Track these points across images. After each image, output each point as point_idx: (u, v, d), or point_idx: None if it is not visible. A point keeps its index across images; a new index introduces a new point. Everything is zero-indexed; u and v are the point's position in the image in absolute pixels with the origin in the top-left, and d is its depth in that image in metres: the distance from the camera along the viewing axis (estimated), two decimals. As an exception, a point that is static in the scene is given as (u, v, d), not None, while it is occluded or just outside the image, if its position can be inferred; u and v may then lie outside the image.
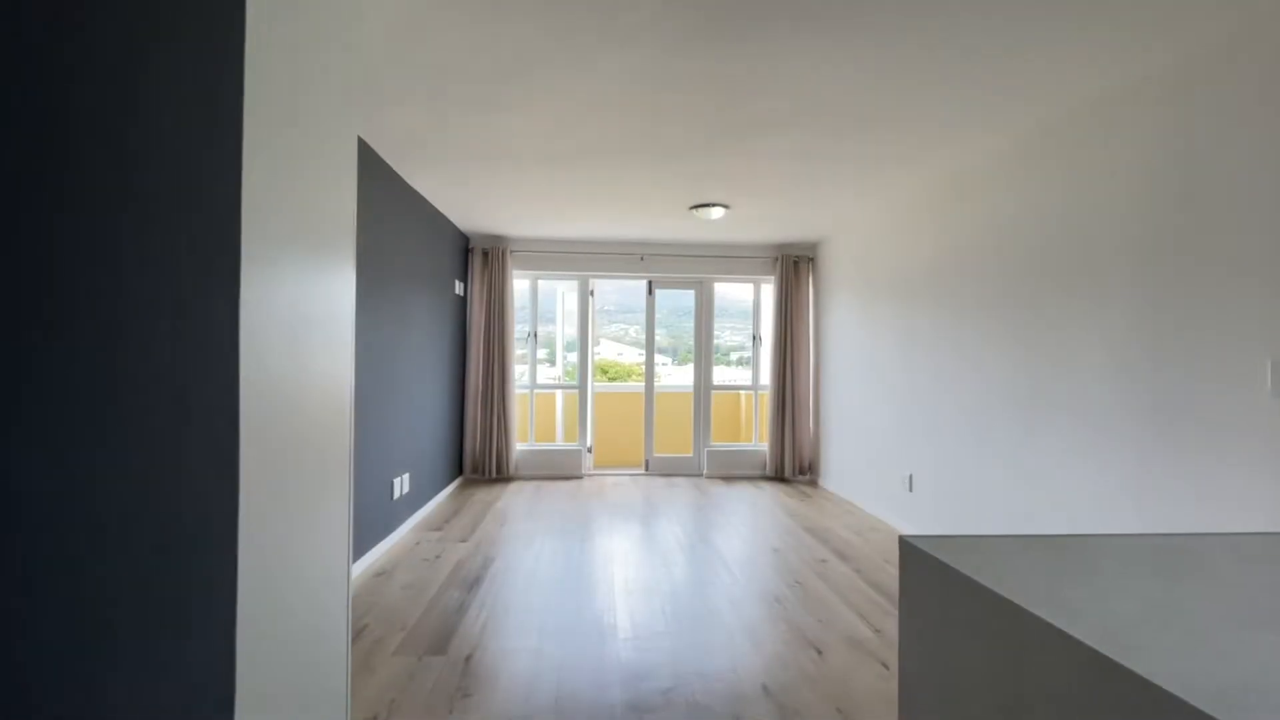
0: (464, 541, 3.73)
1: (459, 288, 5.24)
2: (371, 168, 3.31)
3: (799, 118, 2.83)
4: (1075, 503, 2.63)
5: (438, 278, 4.63)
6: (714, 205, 4.31)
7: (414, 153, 3.36)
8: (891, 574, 3.25)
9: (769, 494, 5.09)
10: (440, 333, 4.73)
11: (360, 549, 3.23)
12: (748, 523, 4.22)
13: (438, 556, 3.46)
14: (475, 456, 5.47)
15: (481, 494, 4.97)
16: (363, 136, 3.12)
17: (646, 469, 5.83)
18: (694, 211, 4.41)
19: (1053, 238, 2.77)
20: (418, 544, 3.67)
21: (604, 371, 12.51)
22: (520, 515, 4.34)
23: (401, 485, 3.82)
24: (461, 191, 4.09)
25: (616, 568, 3.31)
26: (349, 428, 1.50)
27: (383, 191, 3.48)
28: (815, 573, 3.27)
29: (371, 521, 3.37)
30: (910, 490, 3.96)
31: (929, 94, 2.56)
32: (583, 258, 5.65)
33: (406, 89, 2.59)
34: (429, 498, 4.44)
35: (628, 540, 3.80)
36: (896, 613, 2.94)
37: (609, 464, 6.40)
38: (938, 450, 3.66)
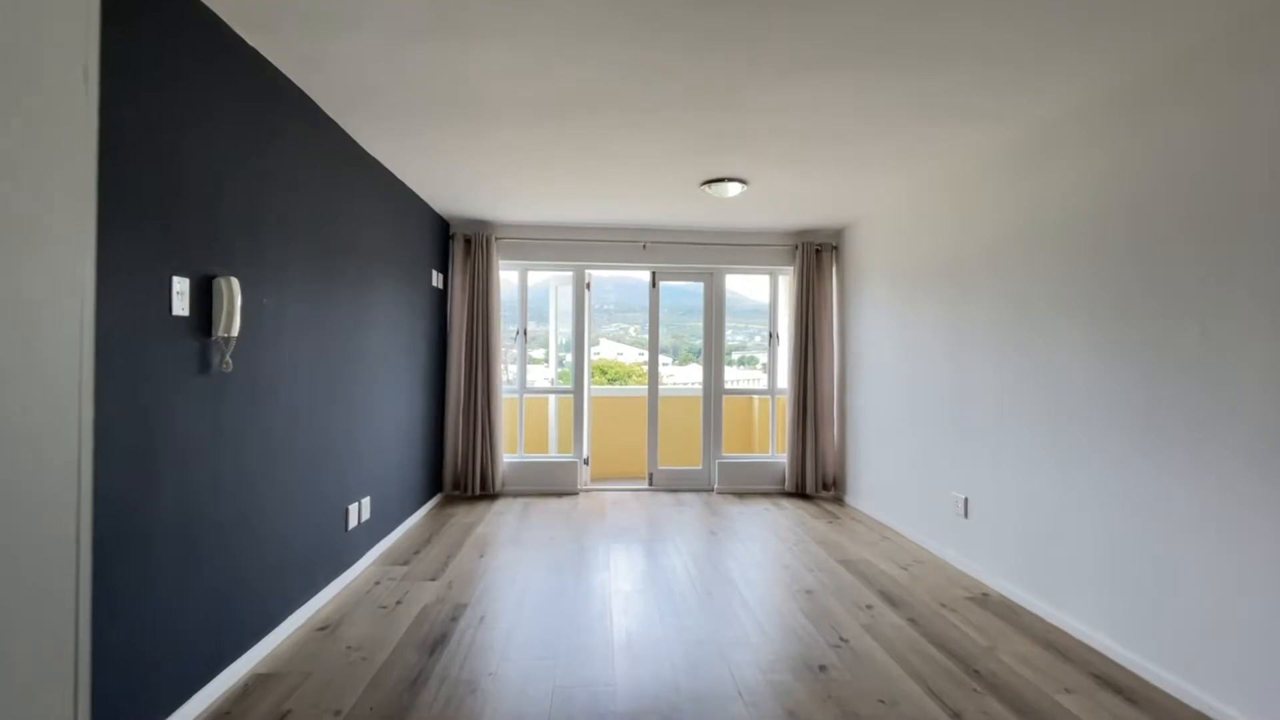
0: (433, 580, 3.14)
1: (437, 279, 4.65)
2: (316, 127, 2.71)
3: (841, 54, 2.24)
4: (1221, 564, 2.03)
5: (410, 267, 4.04)
6: (730, 180, 3.72)
7: (365, 104, 2.77)
8: (958, 627, 2.66)
9: (791, 514, 4.50)
10: (414, 330, 4.14)
11: (300, 595, 2.63)
12: (771, 553, 3.62)
13: (398, 602, 2.87)
14: (456, 471, 4.88)
15: (461, 515, 4.38)
16: (299, 83, 2.53)
17: (650, 483, 5.24)
18: (706, 189, 3.82)
19: (1189, 197, 2.18)
20: (377, 584, 3.08)
21: (603, 373, 11.95)
22: (504, 542, 3.75)
23: (360, 512, 3.23)
24: (431, 164, 3.50)
25: (617, 618, 2.72)
26: (77, 440, 0.92)
27: (329, 156, 2.89)
28: (861, 625, 2.68)
29: (315, 560, 2.77)
30: (965, 516, 3.37)
31: (1013, 17, 1.97)
32: (578, 246, 5.06)
33: (353, 16, 1.99)
34: (397, 523, 3.85)
35: (630, 578, 3.21)
36: (978, 688, 2.38)
37: (608, 477, 5.81)
38: (1003, 471, 3.07)
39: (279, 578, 2.46)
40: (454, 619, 2.69)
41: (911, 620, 2.73)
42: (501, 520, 4.25)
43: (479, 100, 2.68)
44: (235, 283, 2.06)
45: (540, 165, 3.51)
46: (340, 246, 2.98)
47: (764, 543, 3.81)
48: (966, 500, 3.36)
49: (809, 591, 3.03)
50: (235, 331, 2.06)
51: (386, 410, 3.63)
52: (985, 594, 3.04)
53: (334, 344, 2.92)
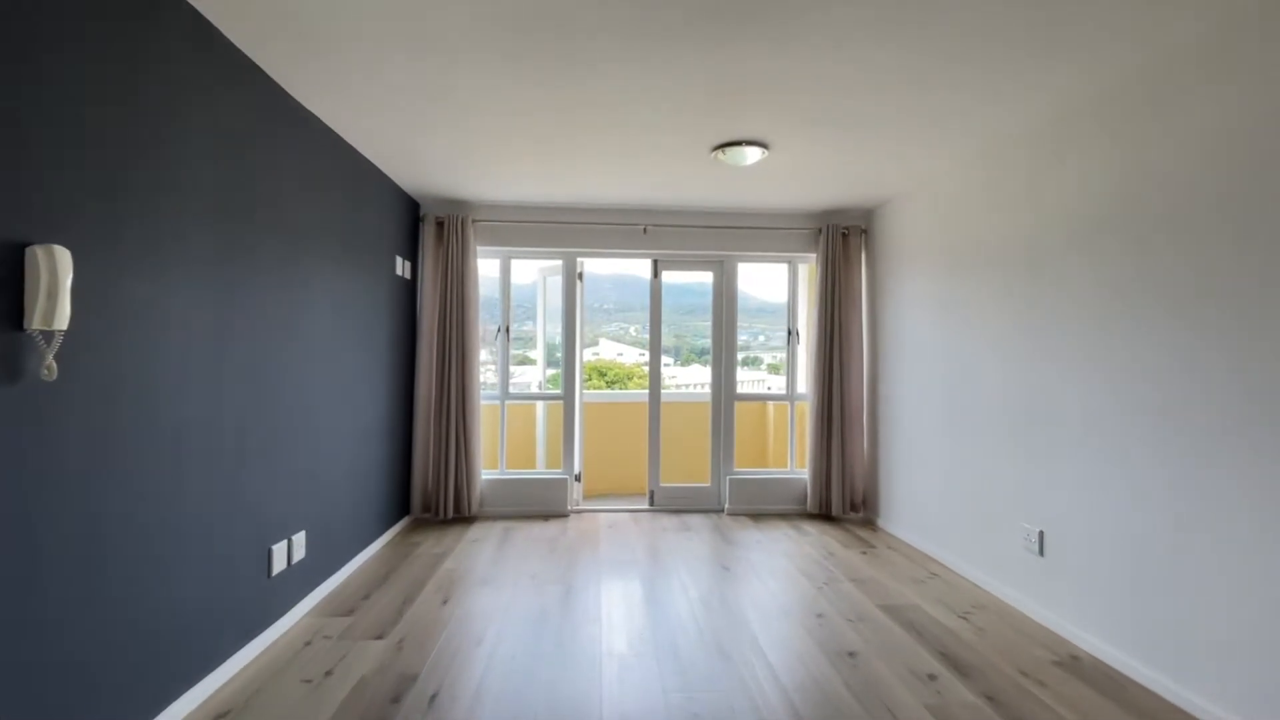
0: (380, 638, 2.55)
1: (402, 267, 4.06)
2: (218, 63, 2.13)
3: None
4: None
5: (367, 252, 3.46)
6: (747, 144, 3.13)
7: (282, 31, 2.19)
8: (1053, 709, 2.08)
9: (816, 543, 3.91)
10: (372, 326, 3.56)
11: (191, 673, 2.05)
12: (798, 596, 3.04)
13: (329, 672, 2.28)
14: (426, 490, 4.29)
15: (429, 544, 3.80)
16: (199, 9, 1.95)
17: (651, 502, 4.66)
18: (719, 155, 3.24)
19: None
20: (307, 644, 2.50)
21: (601, 374, 11.37)
22: (474, 582, 3.17)
23: (290, 552, 2.65)
24: (384, 124, 2.92)
25: (609, 694, 2.13)
26: None
27: (242, 106, 2.31)
28: (925, 705, 2.10)
29: (216, 623, 2.19)
30: (1039, 554, 2.78)
31: None
32: (568, 230, 4.47)
33: None
34: (347, 558, 3.27)
35: (627, 632, 2.63)
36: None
37: (603, 494, 5.23)
38: (1096, 499, 2.49)
39: (152, 657, 1.88)
40: (396, 699, 2.11)
41: (989, 698, 2.15)
42: (475, 551, 3.67)
43: (429, 33, 2.09)
44: (62, 256, 1.48)
45: (519, 120, 2.93)
46: (262, 223, 2.40)
47: (788, 581, 3.23)
48: (1041, 534, 2.77)
49: (851, 654, 2.45)
50: (63, 323, 1.48)
51: (332, 423, 3.05)
52: (1075, 656, 2.45)
53: (251, 342, 2.34)
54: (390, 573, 3.29)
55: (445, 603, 2.91)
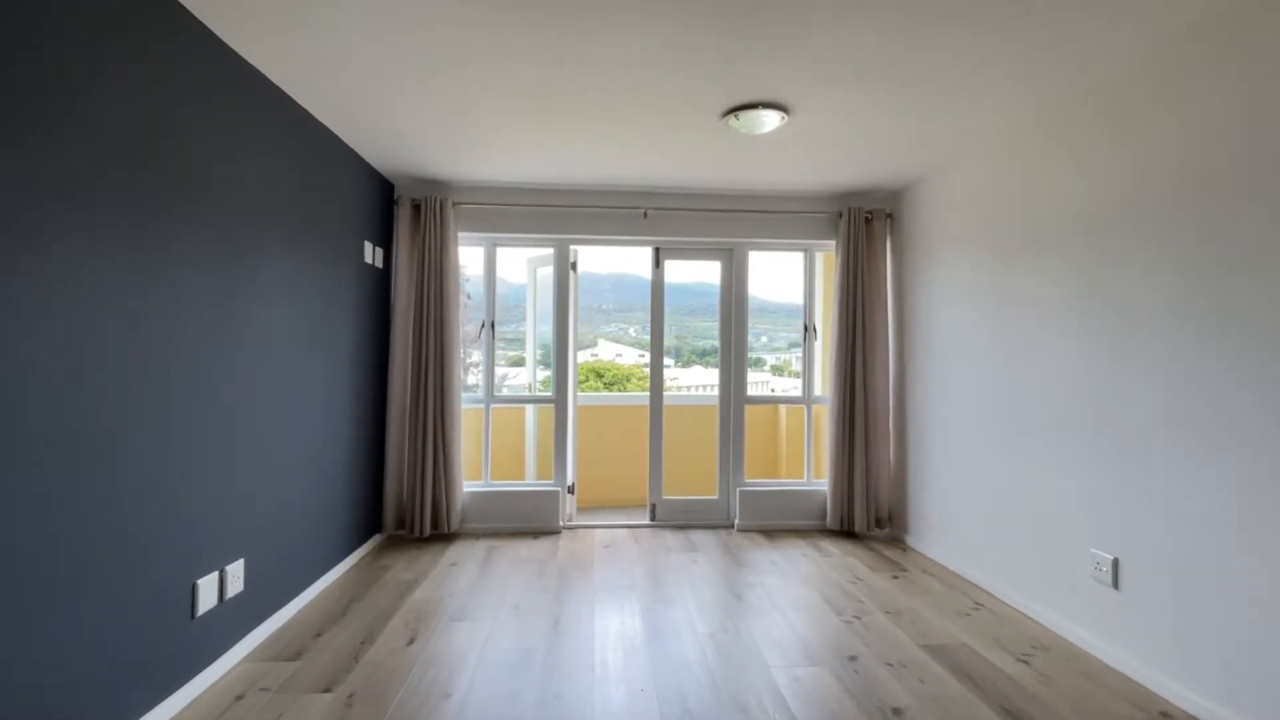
0: (327, 691, 2.16)
1: (373, 254, 3.67)
2: (158, 15, 1.75)
3: None
4: None
5: (331, 236, 3.07)
6: (764, 106, 2.75)
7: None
8: (1160, 795, 1.68)
9: (839, 564, 3.51)
10: (335, 319, 3.17)
11: (79, 747, 1.66)
12: (827, 633, 2.65)
13: (258, 739, 1.89)
14: (400, 504, 3.90)
15: (400, 568, 3.40)
16: (68, -103, 1.56)
17: (653, 517, 4.26)
18: (732, 121, 2.85)
19: None
20: (240, 698, 2.10)
21: (599, 375, 10.98)
22: (448, 615, 2.78)
23: (222, 586, 2.25)
24: (340, 83, 2.53)
25: (601, 774, 1.74)
26: None
27: (177, 63, 1.92)
28: (999, 787, 1.70)
29: (122, 679, 1.80)
30: (1114, 585, 2.39)
31: None
32: (560, 214, 4.08)
33: None
34: (301, 588, 2.87)
35: (626, 683, 2.23)
36: None
37: (600, 506, 4.84)
38: (1183, 520, 2.10)
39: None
40: (336, 780, 1.71)
41: (1075, 774, 1.75)
42: (452, 576, 3.27)
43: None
44: None
45: (503, 90, 2.54)
46: (194, 194, 2.01)
47: (811, 613, 2.83)
48: (1115, 562, 2.38)
49: (897, 711, 2.05)
50: None
51: (284, 431, 2.66)
52: (1166, 714, 2.06)
53: (175, 333, 1.95)
54: (351, 604, 2.89)
55: (411, 643, 2.51)
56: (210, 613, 2.19)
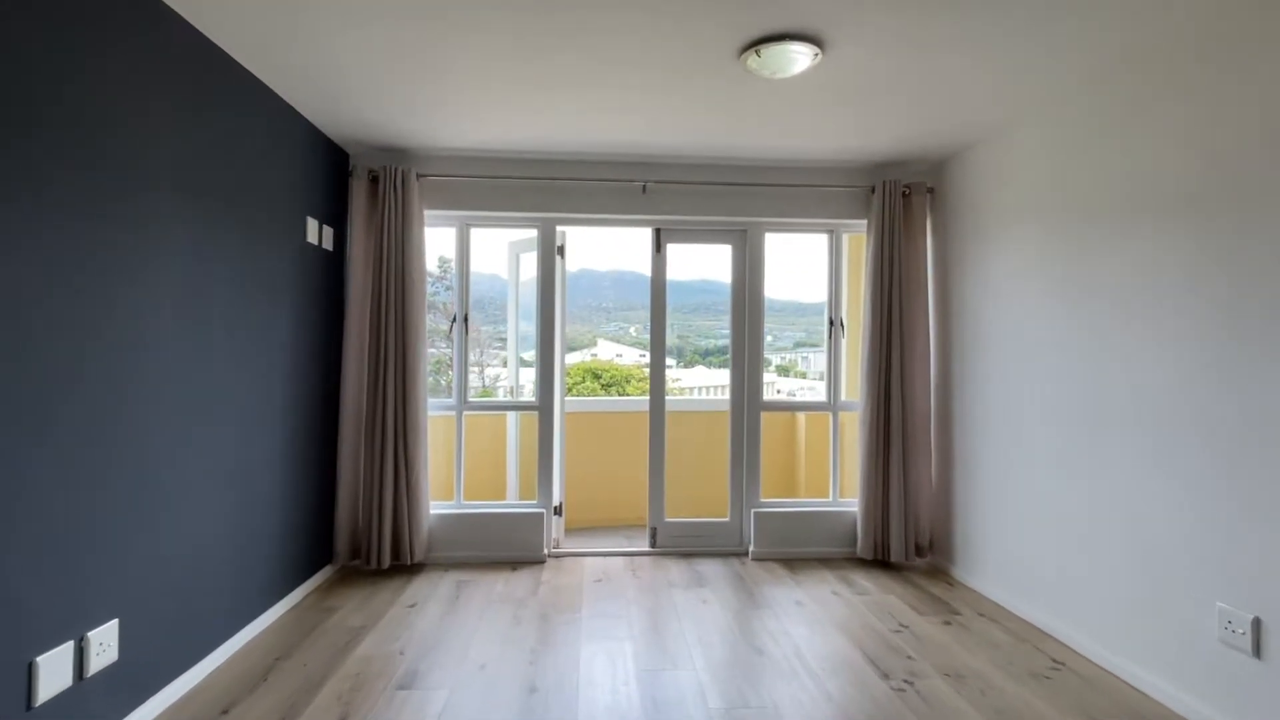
0: (213, 805, 1.65)
1: (319, 233, 3.16)
2: None
3: None
4: None
5: (262, 210, 2.56)
6: (793, 38, 2.23)
7: None
8: None
9: (878, 605, 3.00)
10: (264, 311, 2.66)
11: None
12: (873, 707, 2.12)
13: None
14: (355, 530, 3.39)
15: (349, 610, 2.88)
16: None
17: (653, 543, 3.74)
18: (751, 60, 2.33)
19: None
20: (92, 819, 1.59)
21: (596, 376, 10.46)
22: (394, 683, 2.26)
23: (83, 658, 1.74)
24: (271, 24, 2.01)
25: None
26: None
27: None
28: None
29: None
30: (1255, 654, 1.87)
31: None
32: (545, 188, 3.57)
33: None
34: (210, 645, 2.35)
35: (614, 788, 1.72)
36: None
37: (591, 526, 4.34)
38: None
39: None
40: None
41: None
42: (410, 622, 2.76)
43: None
44: None
45: (476, 38, 2.02)
46: (60, 142, 1.50)
47: (852, 676, 2.31)
48: (1257, 622, 1.87)
49: (987, 840, 1.53)
50: None
51: (187, 452, 2.14)
52: (1354, 843, 1.54)
53: (20, 319, 1.44)
54: (278, 663, 2.38)
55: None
56: (62, 697, 1.68)
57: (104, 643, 1.81)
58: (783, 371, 6.91)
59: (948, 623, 2.79)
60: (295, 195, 2.91)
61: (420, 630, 2.67)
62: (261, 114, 2.60)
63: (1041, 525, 2.74)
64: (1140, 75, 2.29)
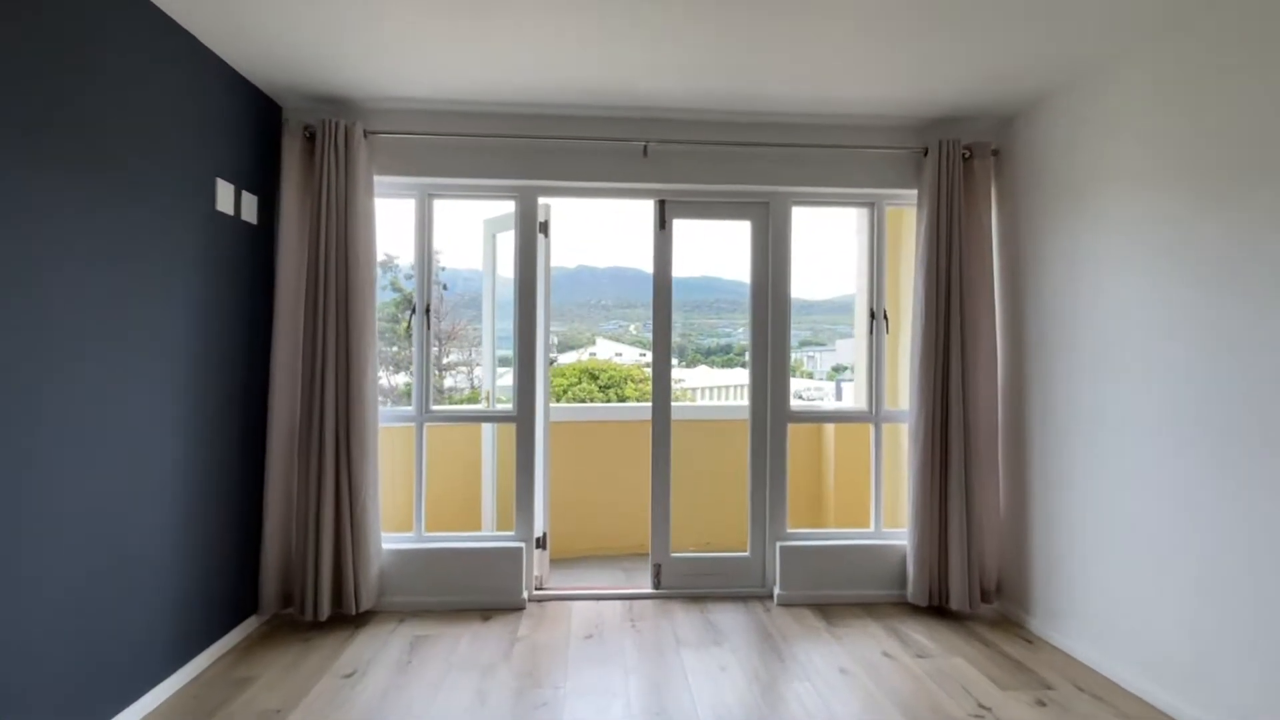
0: None
1: (234, 200, 2.56)
2: None
3: None
4: None
5: (149, 168, 1.98)
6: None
7: None
8: None
9: (942, 673, 2.39)
10: (146, 298, 2.07)
11: None
12: None
13: None
14: (288, 571, 2.79)
15: (266, 682, 2.28)
16: None
17: (657, 582, 3.14)
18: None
19: None
20: None
21: (594, 377, 9.87)
22: (304, 804, 1.66)
23: None
24: None
25: None
26: None
27: None
28: None
29: None
30: None
31: None
32: (523, 151, 2.97)
33: None
34: (59, 745, 1.76)
35: None
36: None
37: (584, 556, 3.75)
38: None
39: None
40: None
41: None
42: (344, 700, 2.16)
43: None
44: None
45: None
46: None
47: (933, 795, 1.71)
48: None
49: None
50: None
51: (20, 494, 1.55)
52: None
53: None
54: (147, 773, 1.78)
55: None
56: None
57: None
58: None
59: (1042, 703, 2.19)
60: (200, 152, 2.32)
61: (355, 715, 2.07)
62: (157, 48, 2.01)
63: (1163, 573, 2.15)
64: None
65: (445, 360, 9.96)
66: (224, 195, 2.46)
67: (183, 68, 2.21)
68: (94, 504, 1.86)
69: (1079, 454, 2.52)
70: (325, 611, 2.70)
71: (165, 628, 2.17)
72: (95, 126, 1.83)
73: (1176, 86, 2.14)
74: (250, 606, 2.71)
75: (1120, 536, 2.32)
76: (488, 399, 3.53)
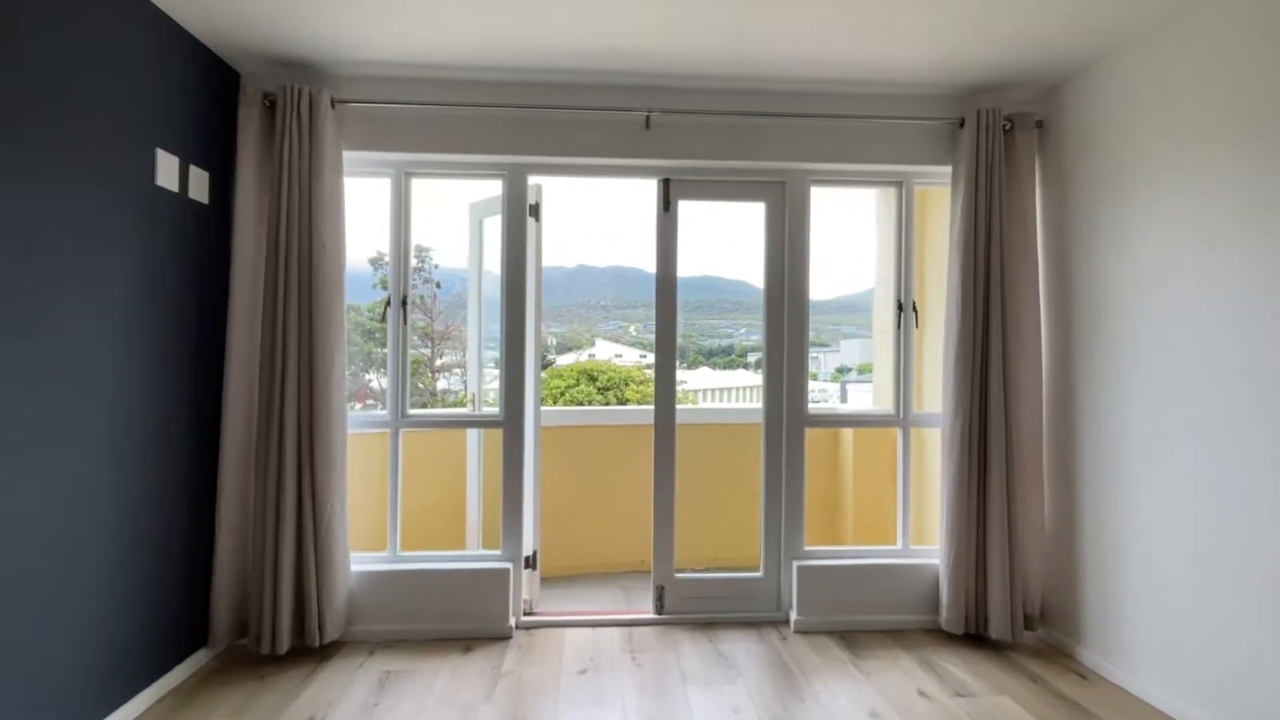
0: None
1: (179, 175, 2.27)
2: None
3: None
4: None
5: (70, 136, 1.69)
6: None
7: None
8: None
9: (990, 716, 2.10)
10: (68, 289, 1.78)
11: None
12: None
13: None
14: (243, 598, 2.49)
15: (209, 730, 1.99)
16: None
17: (660, 607, 2.84)
18: None
19: None
20: None
21: (592, 378, 9.57)
22: None
23: None
24: None
25: None
26: None
27: None
28: None
29: None
30: None
31: None
32: (511, 123, 2.68)
33: None
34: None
35: None
36: None
37: (579, 574, 3.45)
38: None
39: None
40: None
41: None
42: (292, 756, 1.86)
43: None
44: None
45: None
46: None
47: None
48: None
49: None
50: None
51: None
52: None
53: None
54: None
55: None
56: None
57: None
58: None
59: (1112, 757, 1.89)
60: (137, 119, 2.02)
61: (304, 774, 1.78)
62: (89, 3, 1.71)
63: (1229, 591, 1.85)
64: None
65: (439, 362, 9.67)
66: (165, 169, 2.17)
67: (115, 18, 1.92)
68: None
69: (1137, 462, 2.23)
70: (285, 644, 2.40)
71: (94, 666, 1.87)
72: (38, 104, 1.54)
73: (1252, 37, 1.84)
74: (200, 638, 2.41)
75: (1185, 556, 2.03)
76: (473, 402, 3.24)
